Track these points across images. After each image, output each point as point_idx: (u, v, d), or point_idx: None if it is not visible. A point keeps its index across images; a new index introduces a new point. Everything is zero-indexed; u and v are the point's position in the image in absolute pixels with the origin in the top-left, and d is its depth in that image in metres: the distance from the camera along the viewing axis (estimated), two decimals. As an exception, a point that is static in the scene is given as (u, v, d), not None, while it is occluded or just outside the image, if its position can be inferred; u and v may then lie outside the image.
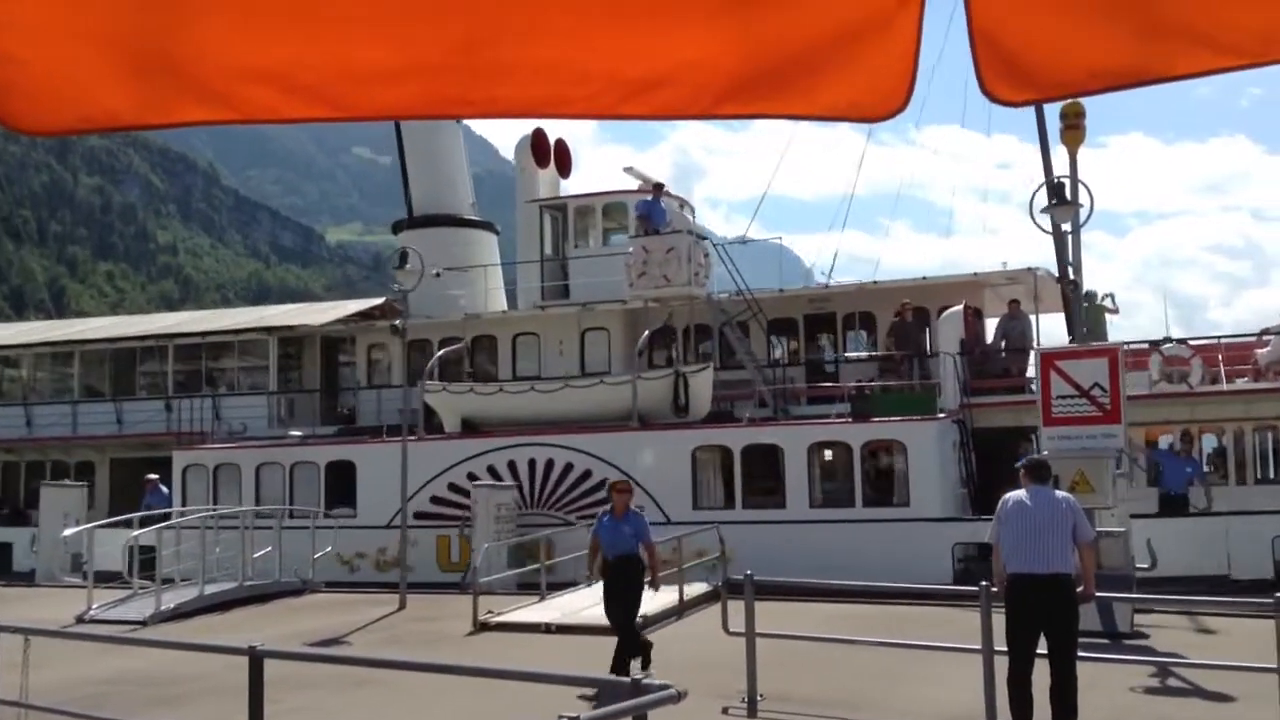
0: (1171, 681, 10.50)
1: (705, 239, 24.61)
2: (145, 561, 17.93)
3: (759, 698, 9.73)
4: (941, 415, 20.20)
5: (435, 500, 22.29)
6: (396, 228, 30.47)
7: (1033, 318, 21.93)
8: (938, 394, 20.98)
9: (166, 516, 20.70)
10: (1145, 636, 12.68)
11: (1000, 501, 8.64)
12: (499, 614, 15.18)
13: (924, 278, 23.56)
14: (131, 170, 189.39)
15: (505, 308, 28.37)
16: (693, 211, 25.91)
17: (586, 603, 15.80)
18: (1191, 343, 21.52)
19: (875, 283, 23.97)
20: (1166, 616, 13.67)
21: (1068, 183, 14.81)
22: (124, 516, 21.22)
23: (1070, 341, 23.76)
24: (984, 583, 8.82)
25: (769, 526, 19.82)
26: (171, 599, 17.32)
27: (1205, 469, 20.77)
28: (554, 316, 25.56)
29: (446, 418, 23.45)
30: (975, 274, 23.08)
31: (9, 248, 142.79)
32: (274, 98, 2.10)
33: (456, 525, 21.66)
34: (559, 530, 19.97)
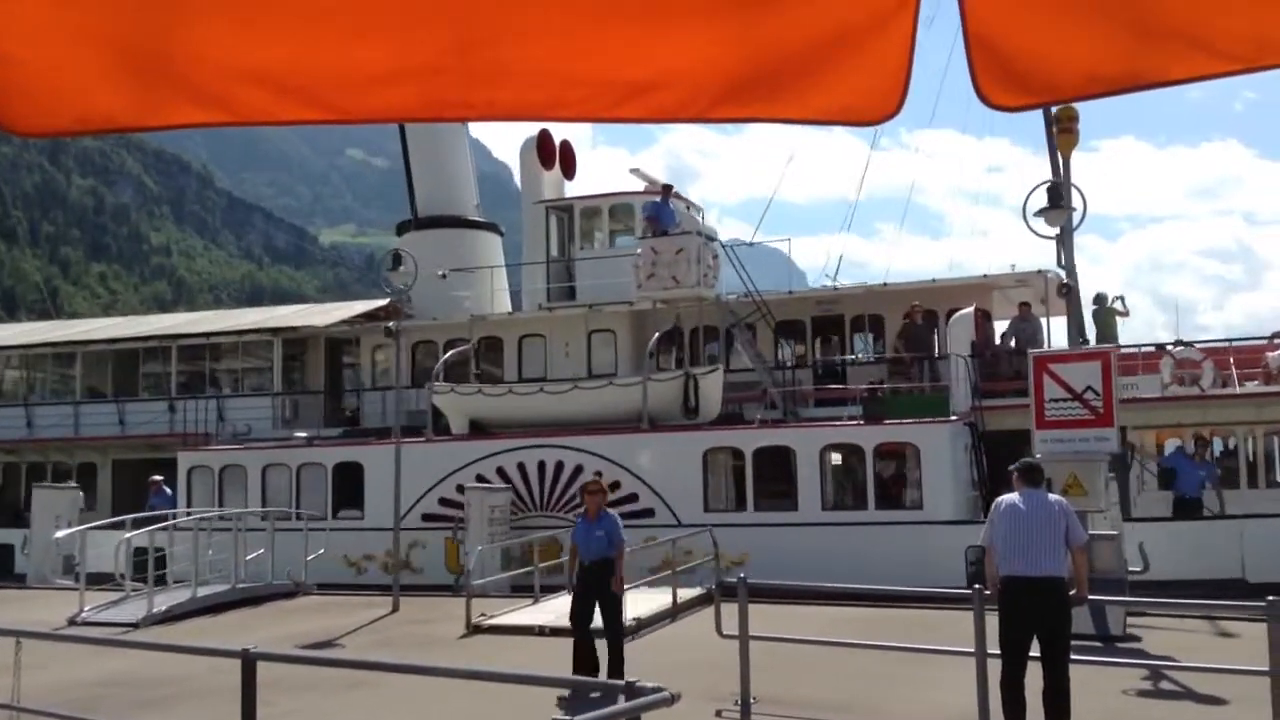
0: (1164, 684, 10.52)
1: (714, 240, 24.52)
2: (141, 564, 17.90)
3: (752, 701, 9.72)
4: (954, 418, 20.13)
5: (444, 502, 22.14)
6: (401, 229, 30.39)
7: (1043, 320, 21.89)
8: (949, 396, 20.91)
9: (164, 518, 20.63)
10: (1138, 639, 12.70)
11: (993, 504, 8.66)
12: (492, 616, 15.16)
13: (934, 280, 23.56)
14: (125, 171, 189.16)
15: (510, 309, 28.34)
16: (701, 213, 25.84)
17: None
18: (1203, 345, 21.49)
19: (885, 285, 23.92)
20: (1159, 619, 13.69)
21: (1061, 186, 14.83)
22: (117, 518, 21.16)
23: (1083, 343, 23.93)
24: (977, 585, 8.83)
25: (781, 529, 19.73)
26: (164, 601, 17.26)
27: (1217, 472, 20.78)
28: (560, 318, 25.51)
29: (454, 419, 23.34)
30: (985, 276, 23.07)
31: (1, 249, 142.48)
32: (270, 100, 2.10)
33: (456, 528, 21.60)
34: (561, 531, 19.94)
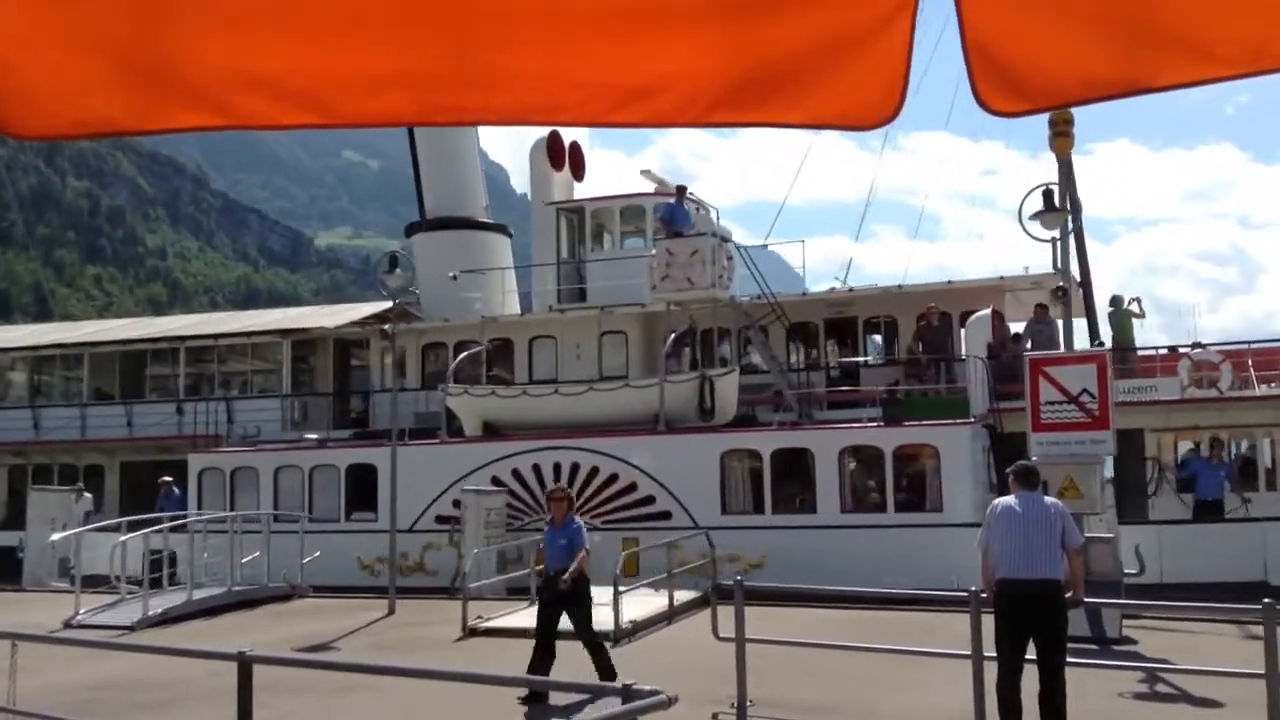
0: (1160, 687, 10.55)
1: (728, 241, 24.43)
2: (151, 565, 17.93)
3: (749, 703, 9.73)
4: (973, 419, 20.05)
5: (458, 505, 22.12)
6: (410, 230, 30.39)
7: (1059, 322, 21.85)
8: (968, 398, 20.84)
9: (173, 519, 20.55)
10: (1134, 642, 12.72)
11: (989, 507, 8.68)
12: (488, 619, 15.14)
13: (949, 282, 23.55)
14: (120, 173, 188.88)
15: (519, 311, 28.29)
16: (717, 214, 25.80)
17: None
18: (1221, 348, 21.46)
19: (900, 287, 23.88)
20: (1155, 621, 13.70)
21: (1056, 189, 14.85)
22: (112, 521, 21.13)
23: (1095, 344, 23.91)
24: (973, 588, 8.84)
25: (799, 531, 19.62)
26: (159, 604, 17.25)
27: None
28: (572, 319, 25.47)
29: (467, 420, 23.18)
30: (1001, 278, 23.07)
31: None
32: (268, 104, 2.10)
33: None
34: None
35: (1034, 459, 12.25)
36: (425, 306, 28.41)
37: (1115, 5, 2.04)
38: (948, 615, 13.30)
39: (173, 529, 18.82)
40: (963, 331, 22.96)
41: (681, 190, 24.39)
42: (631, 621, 14.43)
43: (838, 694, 10.71)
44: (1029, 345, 22.13)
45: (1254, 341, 22.68)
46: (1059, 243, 15.27)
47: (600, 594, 15.93)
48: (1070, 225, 15.36)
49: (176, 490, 23.79)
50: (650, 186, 27.03)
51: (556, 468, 21.44)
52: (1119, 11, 2.04)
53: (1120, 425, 20.73)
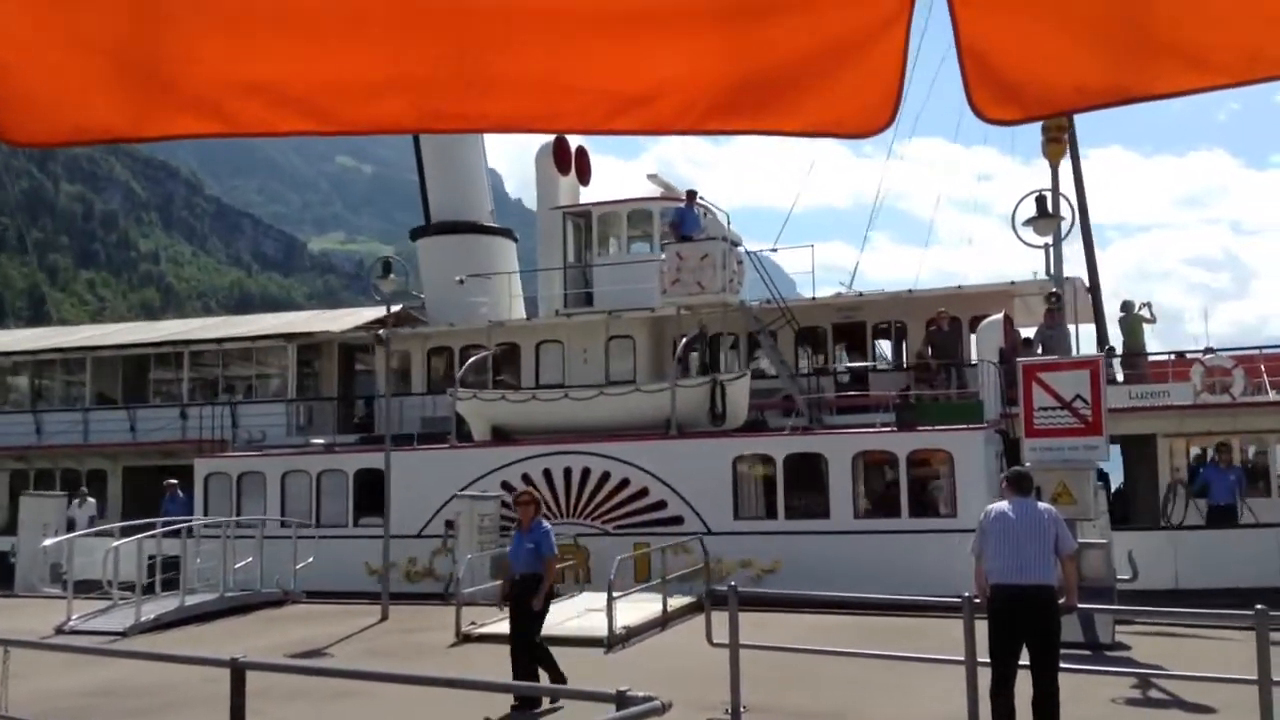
0: (1153, 693, 10.56)
1: (739, 245, 24.35)
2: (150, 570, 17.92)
3: (743, 709, 9.73)
4: (986, 424, 20.00)
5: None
6: (414, 234, 30.25)
7: (1070, 327, 21.83)
8: (982, 403, 20.81)
9: (168, 524, 20.49)
10: (1127, 648, 12.74)
11: (983, 513, 8.69)
12: (481, 625, 15.10)
13: (959, 287, 23.48)
14: (113, 178, 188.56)
15: (524, 315, 28.24)
16: (728, 218, 25.77)
17: (570, 614, 15.76)
18: (1233, 353, 21.44)
19: (910, 292, 23.83)
20: (1148, 627, 13.72)
21: (1049, 196, 14.87)
22: (108, 525, 21.08)
23: (1104, 349, 23.88)
24: (967, 594, 8.85)
25: (813, 537, 19.53)
26: (152, 610, 17.20)
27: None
28: (579, 324, 25.38)
29: (476, 425, 23.03)
30: (1012, 282, 23.05)
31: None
32: (267, 111, 2.10)
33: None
34: (592, 538, 19.96)
35: (1027, 464, 12.28)
36: (430, 311, 28.32)
37: (1110, 14, 2.05)
38: (942, 621, 13.31)
39: (167, 534, 18.74)
40: (973, 337, 22.94)
41: (691, 195, 24.28)
42: (625, 627, 14.42)
43: (831, 700, 10.71)
44: (1040, 350, 22.16)
45: (1267, 347, 22.67)
46: (1051, 249, 15.27)
47: (595, 600, 15.98)
48: (1064, 231, 15.32)
49: (181, 493, 23.70)
50: (657, 191, 27.00)
51: (567, 472, 21.33)
52: (1114, 20, 2.05)
53: (1132, 430, 20.85)
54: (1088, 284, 23.56)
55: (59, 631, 16.30)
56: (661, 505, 20.62)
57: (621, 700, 5.07)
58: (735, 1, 2.09)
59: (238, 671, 6.50)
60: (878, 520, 19.68)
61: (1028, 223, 15.12)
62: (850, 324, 24.88)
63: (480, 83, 2.10)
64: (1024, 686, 8.21)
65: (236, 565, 19.05)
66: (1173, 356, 22.46)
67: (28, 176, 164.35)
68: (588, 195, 28.58)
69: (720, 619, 10.30)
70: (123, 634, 16.13)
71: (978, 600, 8.55)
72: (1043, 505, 8.78)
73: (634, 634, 14.52)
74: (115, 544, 17.95)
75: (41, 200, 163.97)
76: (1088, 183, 26.41)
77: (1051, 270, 15.14)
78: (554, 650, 11.17)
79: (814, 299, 24.59)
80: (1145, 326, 22.88)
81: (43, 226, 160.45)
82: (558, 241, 26.36)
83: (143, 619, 16.70)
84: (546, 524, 11.34)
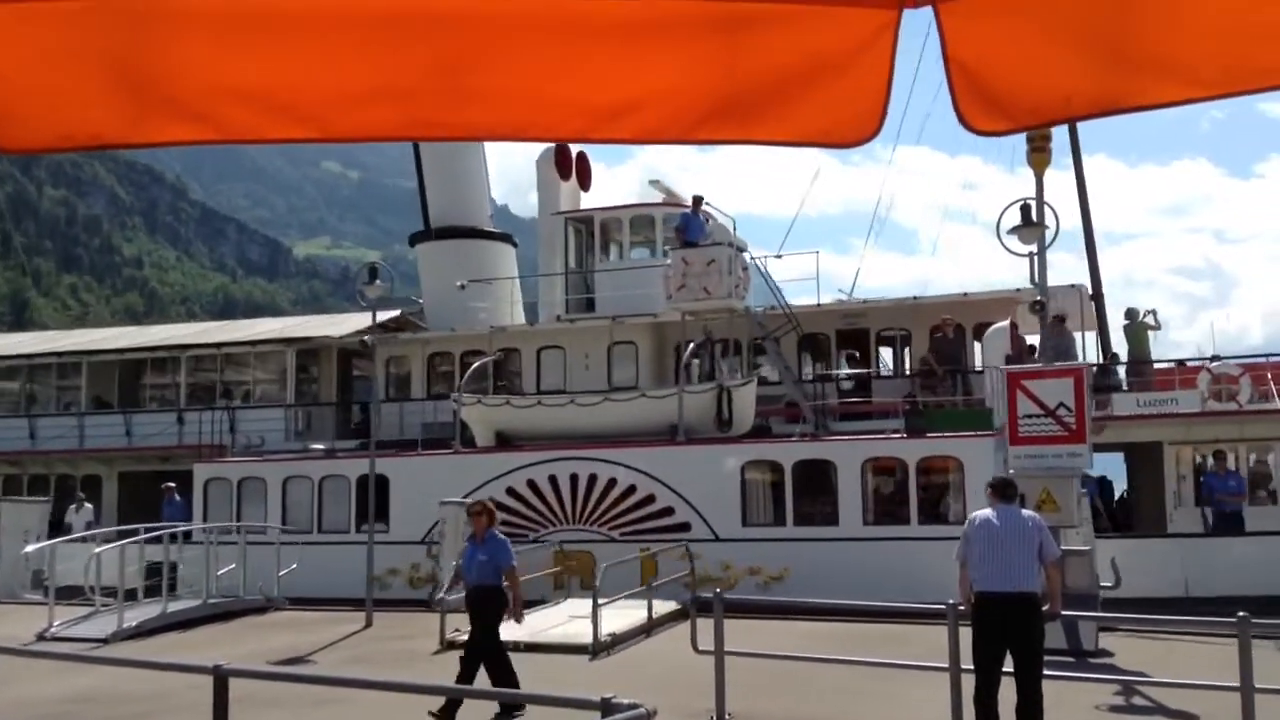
0: (1136, 699, 10.60)
1: (744, 251, 24.32)
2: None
3: (727, 716, 9.73)
4: (995, 431, 20.09)
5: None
6: (414, 240, 30.15)
7: (1075, 334, 21.87)
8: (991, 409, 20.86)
9: (150, 530, 20.34)
10: (1110, 655, 12.78)
11: (967, 520, 8.72)
12: (465, 632, 15.04)
13: (964, 294, 23.56)
14: (97, 182, 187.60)
15: (524, 320, 28.17)
16: (734, 224, 25.79)
17: (555, 621, 15.74)
18: (1240, 360, 21.52)
19: (915, 299, 23.88)
20: (1131, 634, 13.78)
21: (1033, 204, 14.92)
22: (92, 532, 20.93)
23: (1107, 357, 23.93)
24: (951, 601, 8.87)
25: (821, 544, 19.46)
26: (134, 617, 17.07)
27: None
28: (581, 330, 25.32)
29: (479, 431, 22.92)
30: (1018, 290, 23.14)
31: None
32: (255, 118, 2.10)
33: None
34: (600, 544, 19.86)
35: (1011, 472, 12.31)
36: (430, 316, 28.23)
37: (1097, 26, 2.07)
38: (929, 627, 13.33)
39: (150, 540, 18.64)
40: (977, 344, 23.01)
41: (698, 201, 24.26)
42: (610, 634, 14.39)
43: (816, 707, 10.72)
44: (1053, 358, 22.16)
45: (1274, 354, 22.77)
46: (1036, 258, 15.32)
47: (579, 606, 15.93)
48: (1049, 240, 15.38)
49: (178, 497, 23.54)
50: (659, 196, 26.98)
51: (574, 478, 21.22)
52: (1101, 32, 2.07)
53: (1138, 438, 20.93)
54: (1090, 292, 23.74)
55: (40, 638, 16.17)
56: (669, 512, 20.53)
57: (607, 707, 5.06)
58: (723, 12, 2.09)
59: (220, 679, 6.45)
60: (886, 527, 19.61)
61: (1012, 231, 15.17)
62: (854, 330, 24.91)
63: (467, 92, 2.11)
64: (1007, 693, 8.23)
65: (219, 571, 18.95)
66: (1176, 364, 22.58)
67: (11, 180, 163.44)
68: (588, 201, 28.55)
69: (705, 626, 10.30)
70: (105, 641, 16.00)
71: (962, 607, 8.57)
72: (1027, 512, 8.82)
73: (619, 641, 14.50)
74: (97, 550, 17.84)
75: (25, 204, 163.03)
76: (1072, 192, 26.54)
77: (1036, 279, 15.19)
78: (539, 658, 11.14)
79: (819, 305, 24.65)
80: (1150, 334, 22.97)
81: (26, 230, 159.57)
82: (559, 247, 26.29)
83: (125, 625, 16.58)
84: (501, 535, 11.12)
